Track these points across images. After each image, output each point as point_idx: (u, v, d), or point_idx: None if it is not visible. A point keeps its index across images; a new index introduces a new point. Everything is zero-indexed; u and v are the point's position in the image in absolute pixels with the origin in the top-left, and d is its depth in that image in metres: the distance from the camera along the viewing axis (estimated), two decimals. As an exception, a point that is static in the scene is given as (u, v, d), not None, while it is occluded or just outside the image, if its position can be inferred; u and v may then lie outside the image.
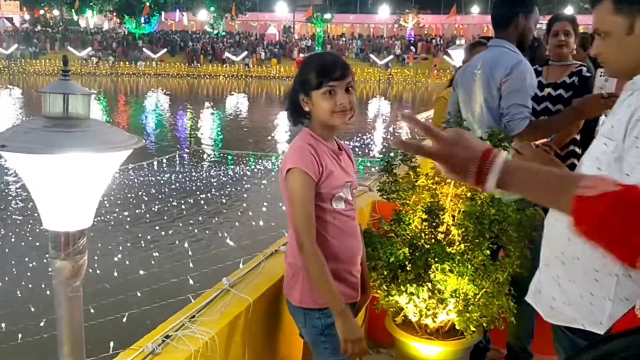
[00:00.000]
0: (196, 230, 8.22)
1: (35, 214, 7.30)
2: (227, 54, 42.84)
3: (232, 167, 12.43)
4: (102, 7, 48.82)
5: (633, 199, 0.83)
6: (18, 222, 8.13)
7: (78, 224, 1.23)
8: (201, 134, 17.34)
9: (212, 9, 50.54)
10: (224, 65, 42.08)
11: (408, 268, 2.47)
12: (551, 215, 1.66)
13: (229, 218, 8.99)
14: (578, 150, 3.18)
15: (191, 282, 5.10)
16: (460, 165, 1.02)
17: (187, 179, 11.11)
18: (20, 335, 4.64)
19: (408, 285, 2.47)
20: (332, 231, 1.98)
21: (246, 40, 48.06)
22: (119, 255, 6.86)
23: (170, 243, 7.62)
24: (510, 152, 2.46)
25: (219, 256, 6.42)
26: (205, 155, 14.02)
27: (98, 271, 5.99)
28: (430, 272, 2.42)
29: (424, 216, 2.51)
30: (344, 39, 49.70)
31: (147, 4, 46.65)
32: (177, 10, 53.19)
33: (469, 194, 2.48)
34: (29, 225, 7.79)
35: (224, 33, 50.77)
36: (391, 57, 42.22)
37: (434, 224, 2.53)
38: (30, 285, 5.95)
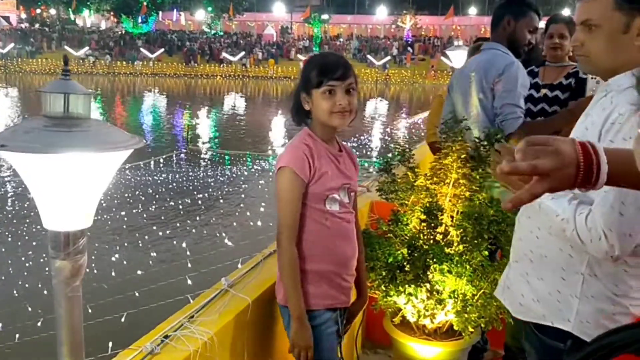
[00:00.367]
0: (194, 231, 8.21)
1: (32, 214, 7.29)
2: (224, 54, 42.84)
3: (229, 167, 12.42)
4: (99, 6, 48.80)
5: None
6: (14, 221, 8.11)
7: (78, 224, 1.23)
8: (198, 134, 17.33)
9: (209, 9, 50.56)
10: (222, 65, 42.09)
11: (407, 268, 2.47)
12: (522, 214, 1.66)
13: (226, 218, 8.98)
14: None
15: (189, 282, 5.10)
16: (559, 172, 0.96)
17: (184, 179, 11.10)
18: (17, 335, 4.62)
19: (406, 285, 2.47)
20: (324, 232, 1.98)
21: (244, 40, 48.06)
22: (117, 255, 6.85)
23: (168, 243, 7.61)
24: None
25: (217, 256, 6.42)
26: (202, 155, 14.01)
27: (95, 271, 5.98)
28: (428, 273, 2.43)
29: (423, 217, 2.52)
30: (340, 39, 49.72)
31: (145, 3, 46.67)
32: (175, 10, 53.21)
33: (467, 194, 2.49)
34: (26, 225, 7.77)
35: (221, 33, 50.76)
36: (388, 58, 42.28)
37: (433, 224, 2.53)
38: (27, 285, 5.93)
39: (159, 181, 10.70)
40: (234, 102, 28.54)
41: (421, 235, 2.53)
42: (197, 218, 8.77)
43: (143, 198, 9.44)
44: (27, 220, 7.91)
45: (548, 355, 1.60)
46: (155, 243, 7.61)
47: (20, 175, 1.18)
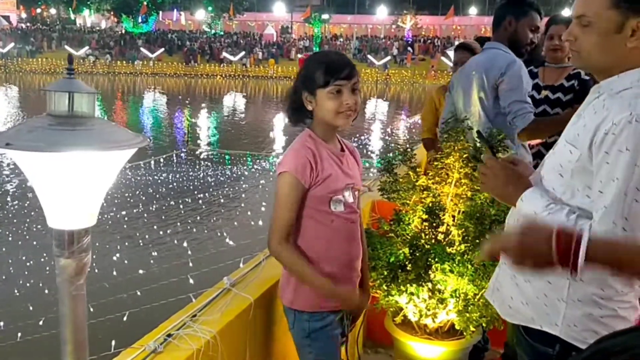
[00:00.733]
0: (195, 230, 8.21)
1: (33, 213, 7.29)
2: (224, 54, 42.81)
3: (229, 166, 12.42)
4: (99, 6, 48.79)
5: None
6: (15, 221, 8.12)
7: (82, 223, 1.23)
8: (198, 134, 17.33)
9: (210, 8, 50.56)
10: (222, 65, 42.06)
11: (408, 268, 2.47)
12: (510, 215, 1.65)
13: (227, 218, 8.99)
14: (544, 151, 3.18)
15: (191, 281, 5.10)
16: (534, 248, 1.25)
17: (185, 178, 11.10)
18: (19, 334, 4.63)
19: (408, 285, 2.47)
20: (330, 235, 1.96)
21: (244, 40, 48.03)
22: (118, 255, 6.85)
23: (169, 243, 7.61)
24: (509, 152, 2.48)
25: (218, 255, 6.42)
26: (202, 155, 14.01)
27: (96, 270, 5.98)
28: (430, 272, 2.43)
29: (424, 216, 2.52)
30: (340, 39, 49.72)
31: (145, 3, 46.65)
32: (175, 10, 53.21)
33: (469, 194, 2.49)
34: (26, 224, 7.77)
35: (221, 33, 50.74)
36: (389, 57, 42.26)
37: (434, 224, 2.53)
38: (28, 284, 5.93)
39: (159, 181, 10.70)
40: (234, 101, 28.54)
41: (423, 235, 2.53)
42: (198, 218, 8.77)
43: (143, 198, 9.44)
44: (28, 220, 7.91)
45: None
46: (156, 242, 7.61)
47: (24, 173, 1.18)
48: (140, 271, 6.19)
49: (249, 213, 8.80)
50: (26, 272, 6.24)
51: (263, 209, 8.86)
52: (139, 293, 4.94)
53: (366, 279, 2.21)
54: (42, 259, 6.31)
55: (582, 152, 1.40)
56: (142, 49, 43.16)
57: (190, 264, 6.24)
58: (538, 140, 3.15)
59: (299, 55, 40.20)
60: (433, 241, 2.51)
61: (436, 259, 2.39)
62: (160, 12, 50.95)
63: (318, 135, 1.95)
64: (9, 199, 9.48)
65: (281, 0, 55.30)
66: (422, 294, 2.47)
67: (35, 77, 37.06)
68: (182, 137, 15.97)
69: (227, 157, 13.45)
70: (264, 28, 51.78)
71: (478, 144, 2.23)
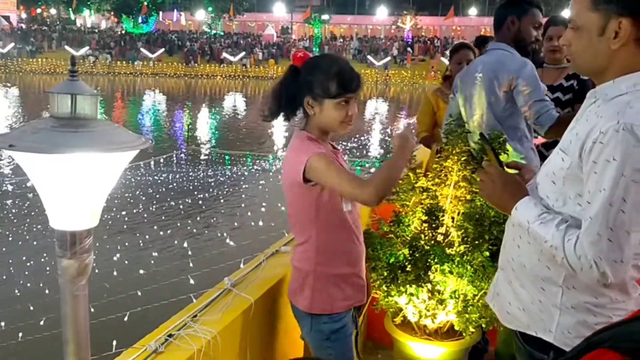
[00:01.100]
0: (195, 230, 8.22)
1: (33, 213, 7.30)
2: (224, 54, 42.80)
3: (229, 167, 12.43)
4: (99, 6, 48.76)
5: None
6: (15, 221, 8.12)
7: (85, 224, 1.24)
8: (198, 134, 17.33)
9: (210, 9, 50.54)
10: (222, 66, 42.04)
11: (408, 269, 2.48)
12: (510, 220, 1.64)
13: (227, 218, 9.00)
14: (545, 151, 3.17)
15: (192, 282, 5.10)
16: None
17: (185, 178, 11.11)
18: (20, 334, 4.63)
19: (408, 286, 2.48)
20: (344, 235, 1.98)
21: (244, 40, 48.00)
22: (118, 255, 6.86)
23: (169, 243, 7.62)
24: (509, 155, 2.48)
25: (218, 256, 6.43)
26: (202, 155, 14.02)
27: (97, 270, 5.98)
28: (429, 273, 2.44)
29: (424, 217, 2.53)
30: (340, 40, 49.71)
31: (145, 3, 46.64)
32: (175, 10, 53.17)
33: (468, 196, 2.50)
34: (26, 225, 7.78)
35: (221, 33, 50.71)
36: (389, 58, 42.26)
37: (434, 225, 2.54)
38: (28, 285, 5.94)
39: (159, 181, 10.70)
40: (234, 102, 28.54)
41: (422, 236, 2.54)
42: (198, 218, 8.78)
43: (143, 198, 9.45)
44: (28, 220, 7.92)
45: None
46: (156, 243, 7.62)
47: (27, 175, 1.19)
48: (141, 271, 6.20)
49: (249, 214, 8.81)
50: (26, 272, 6.25)
51: (263, 209, 8.86)
52: (139, 293, 4.94)
53: (367, 275, 2.24)
54: (43, 259, 6.32)
55: (572, 160, 1.39)
56: (142, 49, 43.14)
57: (191, 264, 6.25)
58: (542, 140, 3.14)
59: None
60: (432, 242, 2.52)
61: (436, 260, 2.40)
62: (161, 13, 50.92)
63: (314, 136, 1.95)
64: (9, 199, 9.48)
65: (281, 1, 55.28)
66: (421, 295, 2.48)
67: (35, 77, 37.03)
68: (182, 137, 15.99)
69: (227, 157, 13.46)
70: (264, 28, 51.76)
71: (480, 146, 2.24)
